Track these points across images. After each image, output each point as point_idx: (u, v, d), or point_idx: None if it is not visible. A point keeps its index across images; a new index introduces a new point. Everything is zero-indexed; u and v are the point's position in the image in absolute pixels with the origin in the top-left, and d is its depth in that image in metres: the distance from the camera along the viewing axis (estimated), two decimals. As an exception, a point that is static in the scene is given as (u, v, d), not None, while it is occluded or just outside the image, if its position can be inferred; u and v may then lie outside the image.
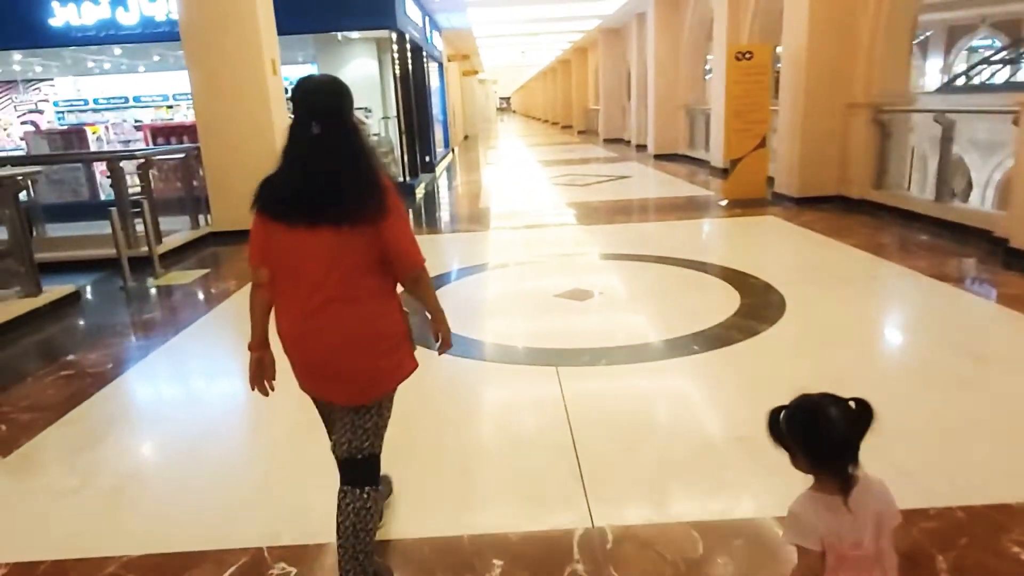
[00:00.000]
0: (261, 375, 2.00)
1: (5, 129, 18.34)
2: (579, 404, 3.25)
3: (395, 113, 11.70)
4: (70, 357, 4.27)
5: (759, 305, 4.55)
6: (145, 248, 6.57)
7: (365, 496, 1.90)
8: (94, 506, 2.65)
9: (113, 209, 6.12)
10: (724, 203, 8.71)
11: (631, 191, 11.10)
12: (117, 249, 5.99)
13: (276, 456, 2.98)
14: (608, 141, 20.78)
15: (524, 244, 7.13)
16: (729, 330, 4.12)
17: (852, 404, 1.35)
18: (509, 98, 69.40)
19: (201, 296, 5.80)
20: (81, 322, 5.29)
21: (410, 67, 12.22)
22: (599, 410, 3.24)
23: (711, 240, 7.20)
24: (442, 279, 5.67)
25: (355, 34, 12.16)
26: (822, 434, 1.35)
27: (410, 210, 10.12)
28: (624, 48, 19.58)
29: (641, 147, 17.08)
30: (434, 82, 17.90)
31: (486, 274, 6.00)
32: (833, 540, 1.35)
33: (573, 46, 25.47)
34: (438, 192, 12.32)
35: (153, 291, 5.99)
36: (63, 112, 18.30)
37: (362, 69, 12.73)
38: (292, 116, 1.91)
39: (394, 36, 11.17)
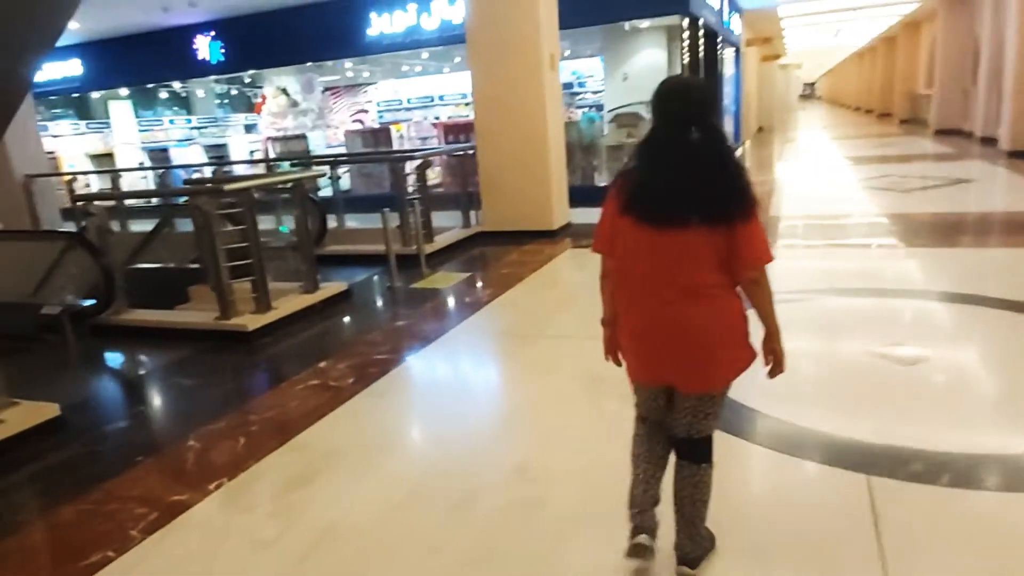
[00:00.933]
0: (615, 349, 2.17)
1: (338, 127, 21.31)
2: (899, 541, 2.18)
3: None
4: (322, 364, 4.28)
5: None
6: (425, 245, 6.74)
7: (702, 471, 2.06)
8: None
9: (386, 209, 6.24)
10: None
11: (974, 201, 8.72)
12: (387, 248, 6.11)
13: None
14: (941, 133, 17.17)
15: (822, 271, 5.74)
16: None
17: None
18: (814, 83, 62.82)
19: (454, 304, 5.63)
20: (347, 320, 5.44)
21: (701, 55, 11.11)
22: (933, 558, 2.13)
23: None
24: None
25: (645, 23, 11.45)
26: None
27: None
28: (973, 18, 15.87)
29: (989, 141, 13.67)
30: (728, 70, 16.42)
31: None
32: None
33: (902, 20, 21.59)
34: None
35: (415, 293, 6.00)
36: (383, 112, 20.65)
37: (649, 59, 11.98)
38: (657, 119, 1.97)
39: (686, 22, 10.20)
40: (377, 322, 5.49)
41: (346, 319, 5.47)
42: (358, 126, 18.11)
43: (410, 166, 7.78)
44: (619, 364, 2.17)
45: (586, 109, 12.63)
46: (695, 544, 2.09)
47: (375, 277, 6.59)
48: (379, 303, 6.03)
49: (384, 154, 11.39)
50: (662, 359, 2.02)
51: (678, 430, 2.07)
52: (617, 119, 10.78)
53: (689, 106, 1.93)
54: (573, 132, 10.89)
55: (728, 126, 16.77)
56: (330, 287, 5.68)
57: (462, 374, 4.28)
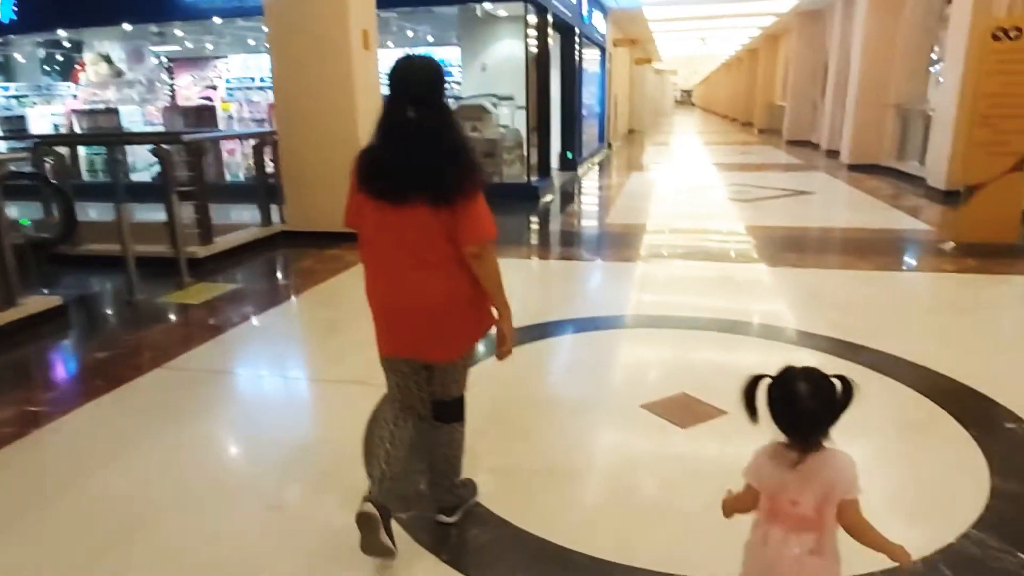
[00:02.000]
0: None
1: (184, 103, 19.26)
2: None
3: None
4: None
5: (1031, 498, 2.34)
6: (195, 247, 5.58)
7: (453, 430, 2.20)
8: None
9: (127, 203, 5.04)
10: (950, 247, 6.10)
11: (811, 215, 8.57)
12: (123, 251, 4.91)
13: None
14: (792, 143, 17.69)
15: (642, 289, 5.15)
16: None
17: (835, 381, 1.40)
18: (691, 91, 65.29)
19: (188, 328, 4.54)
20: (37, 349, 4.20)
21: (550, 49, 10.48)
22: None
23: (924, 315, 4.66)
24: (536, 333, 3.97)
25: (501, 11, 10.68)
26: (785, 404, 1.40)
27: (533, 221, 8.48)
28: (824, 33, 16.40)
29: (833, 153, 14.05)
30: (591, 68, 16.03)
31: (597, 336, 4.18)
32: (774, 489, 1.44)
33: (763, 33, 22.27)
34: (576, 199, 10.51)
35: (156, 309, 4.84)
36: (234, 89, 18.78)
37: (508, 50, 11.21)
38: (388, 96, 1.97)
39: (531, 9, 9.51)
40: (71, 353, 4.26)
41: (37, 347, 4.22)
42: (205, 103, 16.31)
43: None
44: None
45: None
46: (452, 495, 2.25)
47: (112, 287, 5.36)
48: (100, 323, 4.81)
49: (121, 136, 9.84)
50: (401, 331, 2.06)
51: (428, 396, 2.16)
52: (461, 111, 9.94)
53: (413, 85, 1.94)
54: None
55: (593, 128, 16.42)
56: (35, 302, 4.44)
57: (110, 454, 2.84)
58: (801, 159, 14.51)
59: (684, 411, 3.03)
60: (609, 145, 18.77)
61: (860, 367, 3.44)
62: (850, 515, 1.41)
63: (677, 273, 5.64)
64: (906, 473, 2.52)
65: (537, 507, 2.37)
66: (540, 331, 4.18)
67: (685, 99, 66.04)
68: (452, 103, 10.98)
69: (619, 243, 6.99)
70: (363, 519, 1.92)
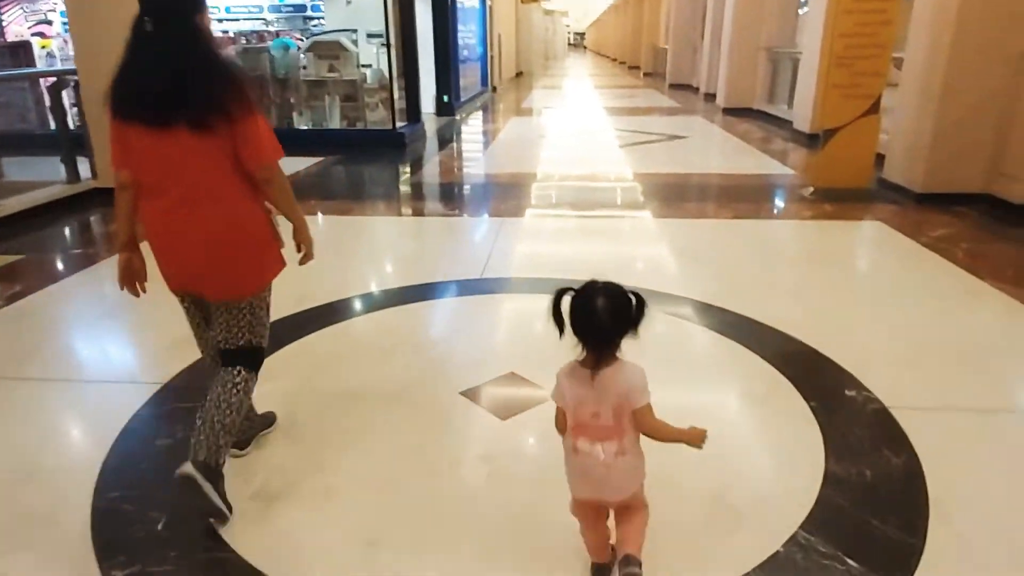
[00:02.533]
0: (132, 276, 2.03)
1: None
2: None
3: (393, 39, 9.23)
4: None
5: (868, 479, 2.12)
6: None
7: (235, 372, 1.99)
8: None
9: None
10: (809, 192, 6.04)
11: (684, 159, 8.42)
12: None
13: None
14: (675, 87, 17.71)
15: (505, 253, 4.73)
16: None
17: (632, 297, 1.49)
18: (584, 34, 64.77)
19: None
20: None
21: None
22: None
23: (777, 265, 4.46)
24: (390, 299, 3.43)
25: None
26: (584, 316, 1.46)
27: (407, 171, 7.82)
28: (703, -25, 16.26)
29: (710, 97, 14.09)
30: (471, 4, 15.19)
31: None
32: (576, 404, 1.52)
33: (647, -27, 21.99)
34: (451, 146, 9.89)
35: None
36: (67, 23, 16.56)
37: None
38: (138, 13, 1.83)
39: (388, -64, 8.63)
40: None
41: None
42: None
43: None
44: (136, 294, 2.05)
45: (284, 34, 10.57)
46: (212, 452, 1.89)
47: None
48: None
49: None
50: (184, 265, 1.95)
51: (219, 342, 2.03)
52: (315, 48, 9.01)
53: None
54: (262, 62, 8.95)
55: (473, 70, 15.67)
56: None
57: None
58: (681, 103, 14.48)
59: (508, 398, 2.65)
60: (494, 88, 18.08)
61: (711, 331, 3.18)
62: (646, 421, 1.53)
63: (541, 227, 5.26)
64: (737, 462, 2.25)
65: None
66: (372, 301, 3.68)
67: (578, 42, 65.54)
68: (304, 40, 10.02)
69: (487, 195, 6.53)
70: (182, 481, 1.81)
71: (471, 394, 2.66)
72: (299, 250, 2.08)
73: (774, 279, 4.09)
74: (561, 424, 1.60)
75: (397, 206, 6.24)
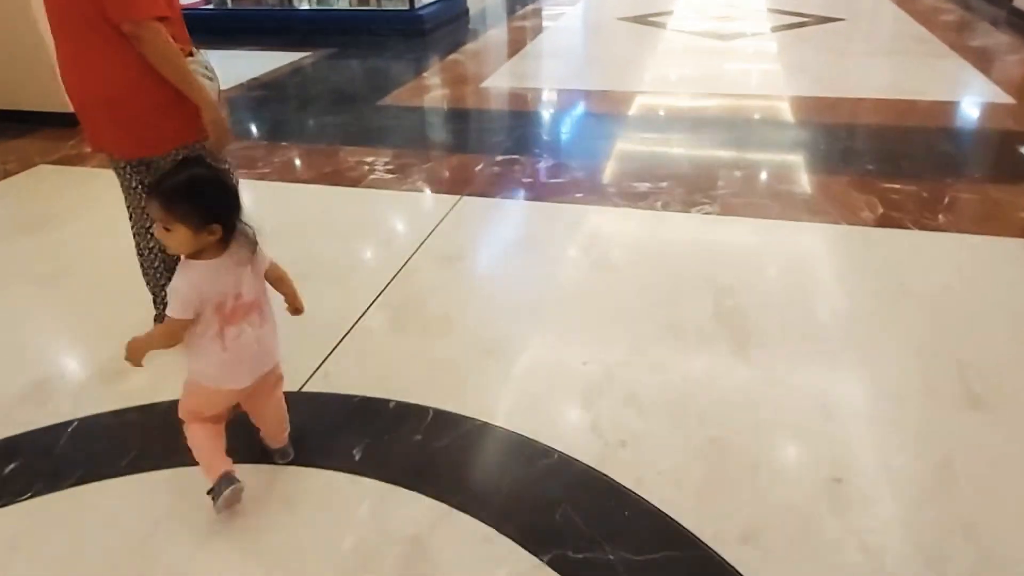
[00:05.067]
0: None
1: None
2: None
3: None
4: None
5: None
6: None
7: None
8: None
9: None
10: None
11: (825, 68, 5.47)
12: None
13: None
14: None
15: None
16: None
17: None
18: None
19: None
20: None
21: None
22: None
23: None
24: None
25: None
26: (219, 194, 1.40)
27: (405, 81, 5.59)
28: None
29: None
30: None
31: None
32: (220, 299, 1.42)
33: None
34: (515, 28, 7.35)
35: None
36: None
37: None
38: None
39: None
40: None
41: None
42: None
43: None
44: None
45: None
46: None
47: None
48: None
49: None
50: (84, 119, 1.84)
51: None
52: None
53: None
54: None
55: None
56: None
57: None
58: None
59: None
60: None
61: None
62: (274, 269, 1.55)
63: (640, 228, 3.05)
64: None
65: None
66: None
67: None
68: None
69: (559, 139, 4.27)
70: None
71: None
72: (209, 134, 1.82)
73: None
74: (163, 341, 1.45)
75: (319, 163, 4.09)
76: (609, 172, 3.41)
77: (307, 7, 6.99)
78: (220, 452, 1.53)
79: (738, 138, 3.80)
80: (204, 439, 1.52)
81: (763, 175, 3.32)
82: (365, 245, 2.83)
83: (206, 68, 1.84)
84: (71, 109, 1.85)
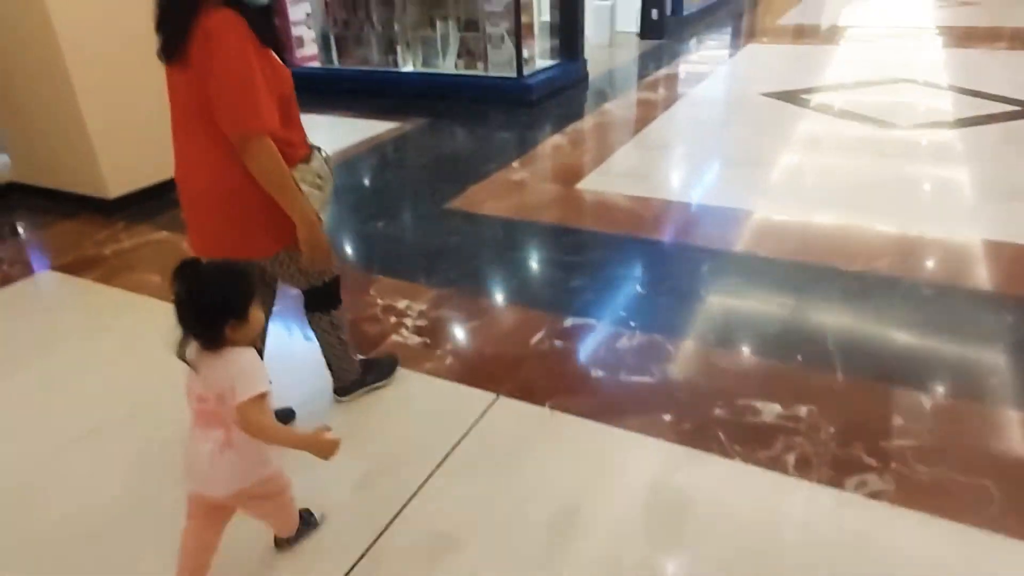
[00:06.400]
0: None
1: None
2: None
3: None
4: None
5: None
6: None
7: (317, 318, 2.07)
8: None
9: None
10: None
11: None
12: None
13: None
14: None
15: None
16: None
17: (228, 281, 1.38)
18: None
19: None
20: None
21: None
22: None
23: None
24: None
25: None
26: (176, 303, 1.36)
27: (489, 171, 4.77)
28: None
29: None
30: None
31: None
32: (188, 389, 1.42)
33: None
34: (635, 102, 6.42)
35: None
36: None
37: None
38: None
39: None
40: None
41: None
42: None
43: None
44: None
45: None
46: (339, 379, 2.20)
47: None
48: None
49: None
50: (188, 218, 1.80)
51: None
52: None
53: None
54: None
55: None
56: None
57: None
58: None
59: None
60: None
61: None
62: (247, 417, 1.34)
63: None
64: None
65: None
66: None
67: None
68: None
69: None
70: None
71: None
72: (303, 253, 1.81)
73: None
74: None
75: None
76: (720, 374, 2.33)
77: (410, 69, 6.42)
78: (189, 548, 1.48)
79: (922, 321, 2.59)
80: (184, 540, 1.50)
81: (972, 413, 2.12)
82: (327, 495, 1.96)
83: (318, 176, 1.77)
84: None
